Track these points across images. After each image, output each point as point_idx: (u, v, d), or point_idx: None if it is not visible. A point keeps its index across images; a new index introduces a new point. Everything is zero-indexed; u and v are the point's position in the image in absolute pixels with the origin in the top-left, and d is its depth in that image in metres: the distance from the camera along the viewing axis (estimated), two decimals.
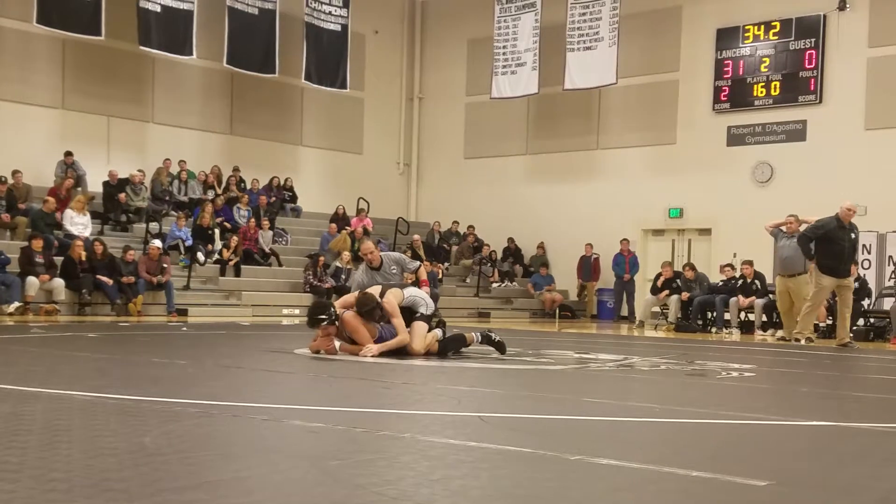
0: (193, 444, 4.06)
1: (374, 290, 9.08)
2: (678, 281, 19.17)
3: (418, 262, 10.99)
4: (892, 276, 18.66)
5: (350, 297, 9.19)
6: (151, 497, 3.02)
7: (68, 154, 19.95)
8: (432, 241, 24.50)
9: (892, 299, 16.63)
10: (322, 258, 20.25)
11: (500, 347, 9.44)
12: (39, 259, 16.27)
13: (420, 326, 9.11)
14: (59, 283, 16.32)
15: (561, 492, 3.32)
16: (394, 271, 10.19)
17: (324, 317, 8.81)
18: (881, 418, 5.75)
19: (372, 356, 8.61)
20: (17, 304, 15.63)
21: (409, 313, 9.12)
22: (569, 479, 3.54)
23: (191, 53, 21.18)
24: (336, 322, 8.85)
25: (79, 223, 18.22)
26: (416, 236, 23.20)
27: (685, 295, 18.64)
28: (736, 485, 3.49)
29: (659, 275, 19.70)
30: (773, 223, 16.24)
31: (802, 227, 15.50)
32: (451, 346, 9.23)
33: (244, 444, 4.16)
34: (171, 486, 3.20)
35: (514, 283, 24.22)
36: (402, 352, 8.96)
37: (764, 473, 3.68)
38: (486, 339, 9.43)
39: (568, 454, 3.96)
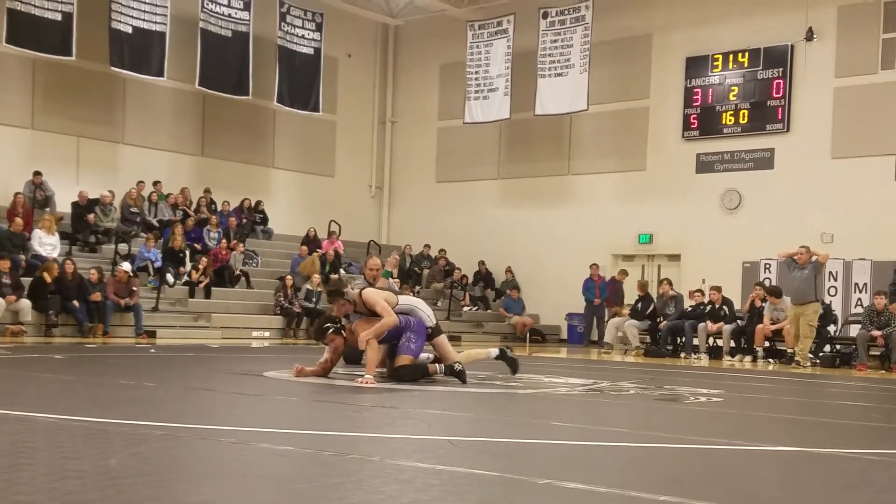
0: (160, 467, 4.03)
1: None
2: (639, 304, 19.30)
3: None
4: (858, 303, 18.87)
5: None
6: None
7: (37, 174, 19.81)
8: (404, 265, 24.48)
9: (859, 326, 16.79)
10: (290, 279, 20.16)
11: (460, 376, 8.94)
12: (6, 280, 16.10)
13: (444, 340, 9.19)
14: (25, 303, 16.15)
15: None
16: None
17: (329, 325, 8.81)
18: (846, 444, 5.80)
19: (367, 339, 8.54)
20: None
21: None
22: (536, 502, 3.55)
23: (162, 75, 21.12)
24: (342, 332, 8.79)
25: (47, 244, 18.06)
26: (396, 255, 22.95)
27: (662, 321, 18.71)
28: None
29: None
30: (785, 253, 16.64)
31: (813, 259, 15.85)
32: (409, 376, 8.74)
33: (211, 467, 4.13)
34: None
35: (488, 310, 24.28)
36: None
37: (730, 498, 3.71)
38: (450, 371, 8.94)
39: (536, 478, 3.97)
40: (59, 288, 16.60)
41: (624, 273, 21.74)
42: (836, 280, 19.20)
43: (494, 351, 9.44)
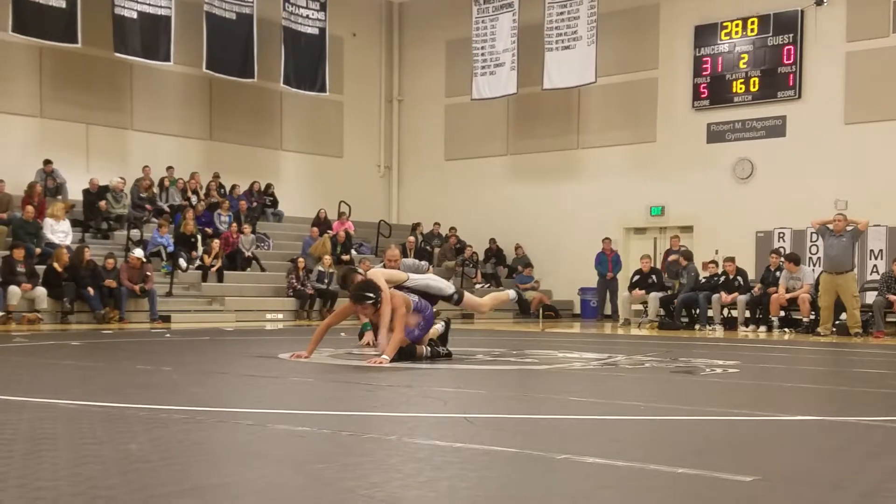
0: (180, 451, 4.04)
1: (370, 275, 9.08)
2: (653, 277, 19.27)
3: (427, 264, 11.16)
4: (874, 269, 18.78)
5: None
6: None
7: (47, 162, 19.85)
8: (416, 243, 24.48)
9: (875, 293, 16.72)
10: (301, 261, 20.21)
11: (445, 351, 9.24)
12: (21, 268, 16.19)
13: (469, 297, 9.64)
14: (41, 291, 16.25)
15: (548, 491, 3.33)
16: None
17: (371, 296, 8.58)
18: (865, 412, 5.78)
19: (384, 361, 8.33)
20: None
21: (428, 297, 9.14)
22: (555, 478, 3.55)
23: (168, 59, 21.10)
24: (378, 307, 8.60)
25: (59, 231, 18.12)
26: (411, 238, 23.25)
27: (673, 293, 18.68)
28: (722, 480, 3.50)
29: (637, 271, 19.74)
30: (818, 220, 16.41)
31: (849, 228, 15.70)
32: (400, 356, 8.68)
33: (230, 450, 4.15)
34: (159, 492, 3.19)
35: (501, 288, 24.27)
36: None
37: (750, 469, 3.70)
38: (435, 354, 9.05)
39: (554, 453, 3.97)
40: (72, 275, 16.68)
41: (677, 239, 21.21)
42: None
43: (512, 293, 10.14)
